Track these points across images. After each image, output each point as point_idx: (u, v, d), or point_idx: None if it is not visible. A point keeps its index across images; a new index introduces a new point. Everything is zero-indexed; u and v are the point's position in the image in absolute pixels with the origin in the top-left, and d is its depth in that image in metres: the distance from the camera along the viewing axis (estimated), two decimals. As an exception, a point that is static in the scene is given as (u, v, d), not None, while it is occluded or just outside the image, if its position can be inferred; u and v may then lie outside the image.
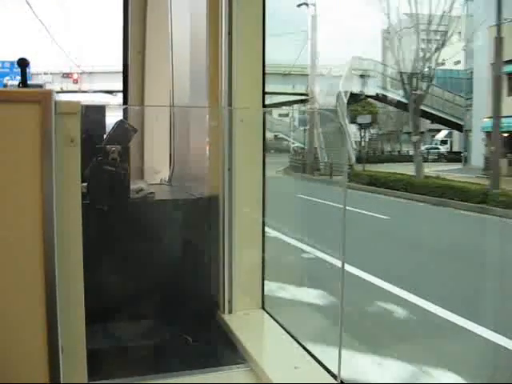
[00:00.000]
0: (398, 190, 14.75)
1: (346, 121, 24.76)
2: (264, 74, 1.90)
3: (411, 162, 17.91)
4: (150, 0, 2.69)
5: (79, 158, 1.11)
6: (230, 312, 1.84)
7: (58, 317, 1.03)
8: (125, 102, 2.83)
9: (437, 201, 12.99)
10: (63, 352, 1.05)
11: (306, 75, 24.20)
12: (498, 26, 14.43)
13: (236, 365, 1.57)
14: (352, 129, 27.60)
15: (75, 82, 24.45)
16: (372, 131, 31.98)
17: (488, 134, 18.67)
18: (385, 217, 11.18)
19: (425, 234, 9.40)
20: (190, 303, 1.82)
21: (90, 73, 25.96)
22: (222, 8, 1.78)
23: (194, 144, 2.18)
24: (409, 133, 22.95)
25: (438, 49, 18.73)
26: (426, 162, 20.16)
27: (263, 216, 1.91)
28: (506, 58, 17.46)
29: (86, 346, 1.15)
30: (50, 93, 1.04)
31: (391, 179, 15.63)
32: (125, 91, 2.79)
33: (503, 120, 17.63)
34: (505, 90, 19.46)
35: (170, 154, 2.45)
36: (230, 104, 1.80)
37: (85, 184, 1.61)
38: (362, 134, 30.34)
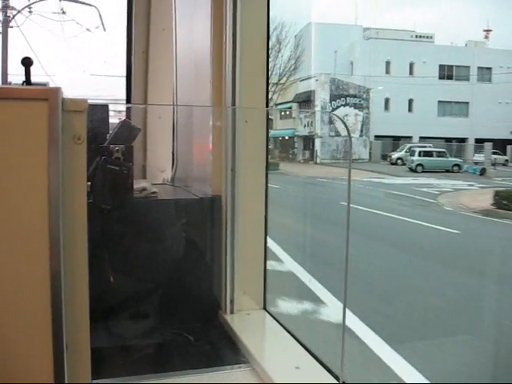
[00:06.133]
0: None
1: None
2: (268, 74, 1.90)
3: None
4: None
5: (85, 155, 1.11)
6: (232, 312, 1.84)
7: (63, 314, 1.03)
8: (128, 101, 2.83)
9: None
10: (68, 350, 1.05)
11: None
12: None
13: (237, 364, 1.57)
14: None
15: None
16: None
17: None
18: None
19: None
20: (191, 303, 1.82)
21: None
22: (227, 8, 1.78)
23: (196, 144, 2.18)
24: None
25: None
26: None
27: (266, 217, 1.91)
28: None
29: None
30: (57, 90, 1.04)
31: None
32: (128, 91, 2.79)
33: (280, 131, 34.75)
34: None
35: (173, 154, 2.45)
36: (233, 104, 1.80)
37: (88, 183, 1.61)
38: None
